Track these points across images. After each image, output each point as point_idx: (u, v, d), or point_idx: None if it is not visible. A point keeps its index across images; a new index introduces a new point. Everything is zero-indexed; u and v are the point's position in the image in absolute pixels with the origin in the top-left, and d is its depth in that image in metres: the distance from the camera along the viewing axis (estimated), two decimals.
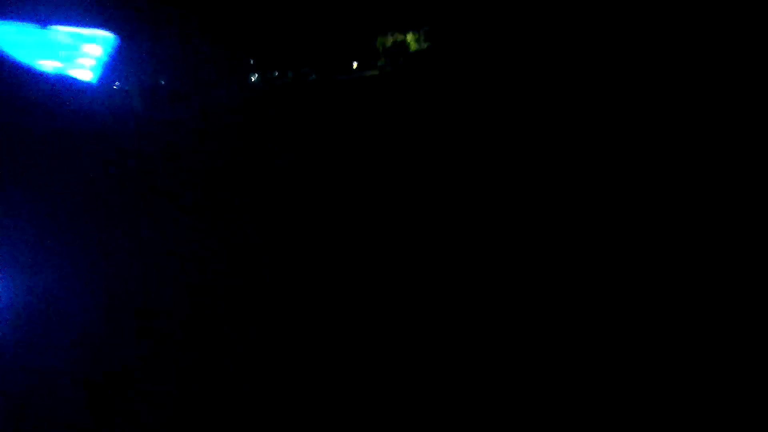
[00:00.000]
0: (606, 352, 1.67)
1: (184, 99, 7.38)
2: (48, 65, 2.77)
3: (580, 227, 2.98)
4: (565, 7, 6.11)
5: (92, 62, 3.10)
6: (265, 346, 1.95)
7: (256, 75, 7.95)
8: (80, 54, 3.05)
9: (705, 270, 2.19)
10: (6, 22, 2.61)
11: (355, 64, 8.03)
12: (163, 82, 7.43)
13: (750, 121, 3.54)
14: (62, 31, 2.91)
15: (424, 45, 7.79)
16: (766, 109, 3.59)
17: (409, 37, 8.08)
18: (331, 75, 7.52)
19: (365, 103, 7.49)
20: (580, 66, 5.82)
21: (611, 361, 1.63)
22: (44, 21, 2.75)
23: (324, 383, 1.67)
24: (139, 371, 1.84)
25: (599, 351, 1.68)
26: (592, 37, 5.87)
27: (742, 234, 2.45)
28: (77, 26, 2.97)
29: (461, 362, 1.72)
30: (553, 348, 1.73)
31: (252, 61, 8.31)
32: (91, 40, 3.10)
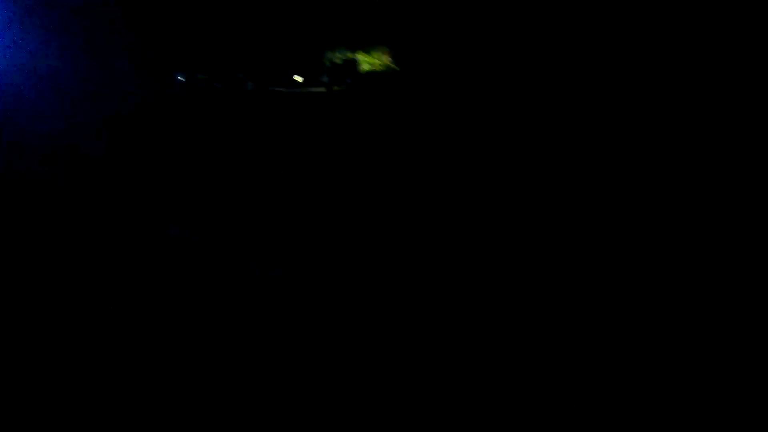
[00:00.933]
0: (605, 350, 1.79)
1: (89, 96, 6.08)
2: None
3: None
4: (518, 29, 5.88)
5: None
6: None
7: (180, 75, 6.82)
8: None
9: (703, 269, 2.21)
10: None
11: (299, 78, 7.22)
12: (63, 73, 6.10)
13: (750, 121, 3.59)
14: None
15: (379, 66, 7.17)
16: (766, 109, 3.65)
17: (360, 56, 7.42)
18: (271, 86, 6.65)
19: (313, 120, 6.78)
20: (543, 87, 5.62)
21: (610, 359, 1.75)
22: None
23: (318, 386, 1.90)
24: None
25: (598, 349, 1.81)
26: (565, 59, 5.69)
27: (741, 233, 2.42)
28: None
29: (455, 356, 1.85)
30: (551, 345, 1.86)
31: (174, 58, 7.13)
32: None
